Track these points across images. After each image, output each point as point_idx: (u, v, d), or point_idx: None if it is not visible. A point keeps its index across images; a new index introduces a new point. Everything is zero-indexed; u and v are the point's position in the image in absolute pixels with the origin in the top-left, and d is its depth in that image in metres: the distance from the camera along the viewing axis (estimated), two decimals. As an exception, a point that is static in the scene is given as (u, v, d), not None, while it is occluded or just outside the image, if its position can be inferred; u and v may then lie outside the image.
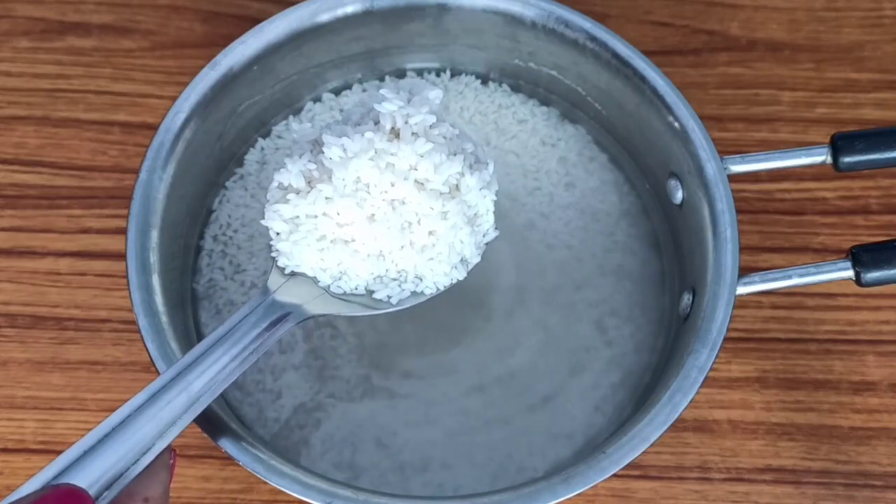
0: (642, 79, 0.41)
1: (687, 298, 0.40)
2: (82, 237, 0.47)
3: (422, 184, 0.35)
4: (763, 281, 0.38)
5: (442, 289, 0.37)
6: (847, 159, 0.39)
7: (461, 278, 0.37)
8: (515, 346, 0.43)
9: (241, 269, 0.43)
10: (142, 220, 0.38)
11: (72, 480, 0.27)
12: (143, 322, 0.37)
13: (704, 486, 0.44)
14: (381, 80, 0.47)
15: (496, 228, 0.38)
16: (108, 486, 0.28)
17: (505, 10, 0.43)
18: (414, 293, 0.36)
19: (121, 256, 0.38)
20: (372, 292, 0.36)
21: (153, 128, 0.40)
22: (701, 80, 0.51)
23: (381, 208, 0.34)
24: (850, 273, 0.38)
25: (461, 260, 0.37)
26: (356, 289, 0.36)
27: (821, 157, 0.39)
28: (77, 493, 0.27)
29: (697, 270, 0.40)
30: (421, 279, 0.36)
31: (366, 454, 0.41)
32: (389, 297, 0.36)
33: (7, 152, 0.49)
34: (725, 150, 0.40)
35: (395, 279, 0.36)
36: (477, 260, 0.37)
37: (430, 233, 0.35)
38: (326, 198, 0.34)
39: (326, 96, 0.47)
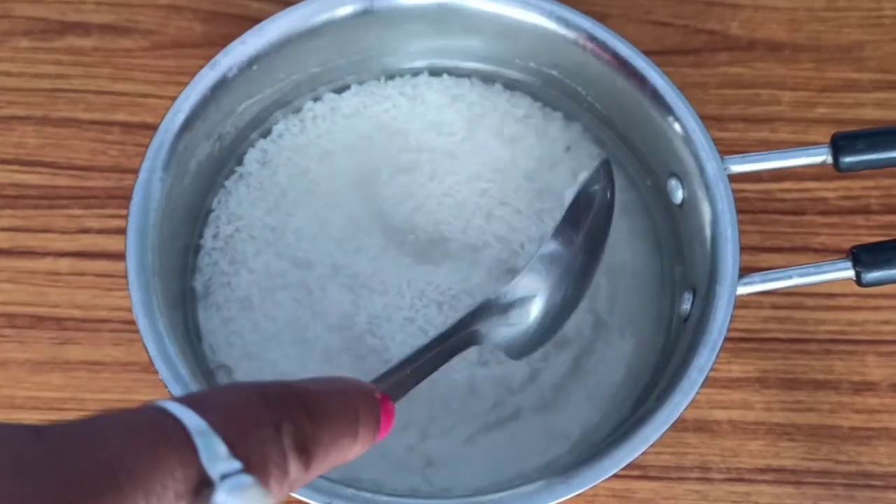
0: (642, 79, 0.41)
1: (687, 298, 0.40)
2: (82, 237, 0.47)
3: None
4: (763, 281, 0.38)
5: None
6: (847, 159, 0.38)
7: None
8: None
9: (241, 269, 0.43)
10: (141, 220, 0.38)
11: None
12: (142, 322, 0.36)
13: (705, 487, 0.43)
14: (381, 79, 0.47)
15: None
16: None
17: (504, 9, 0.43)
18: None
19: (121, 256, 0.38)
20: None
21: (153, 128, 0.40)
22: (701, 80, 0.51)
23: None
24: (851, 273, 0.38)
25: None
26: None
27: (821, 157, 0.39)
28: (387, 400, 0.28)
29: (698, 270, 0.40)
30: None
31: (366, 454, 0.41)
32: None
33: (7, 152, 0.49)
34: (726, 150, 0.40)
35: None
36: None
37: None
38: None
39: (327, 96, 0.47)
